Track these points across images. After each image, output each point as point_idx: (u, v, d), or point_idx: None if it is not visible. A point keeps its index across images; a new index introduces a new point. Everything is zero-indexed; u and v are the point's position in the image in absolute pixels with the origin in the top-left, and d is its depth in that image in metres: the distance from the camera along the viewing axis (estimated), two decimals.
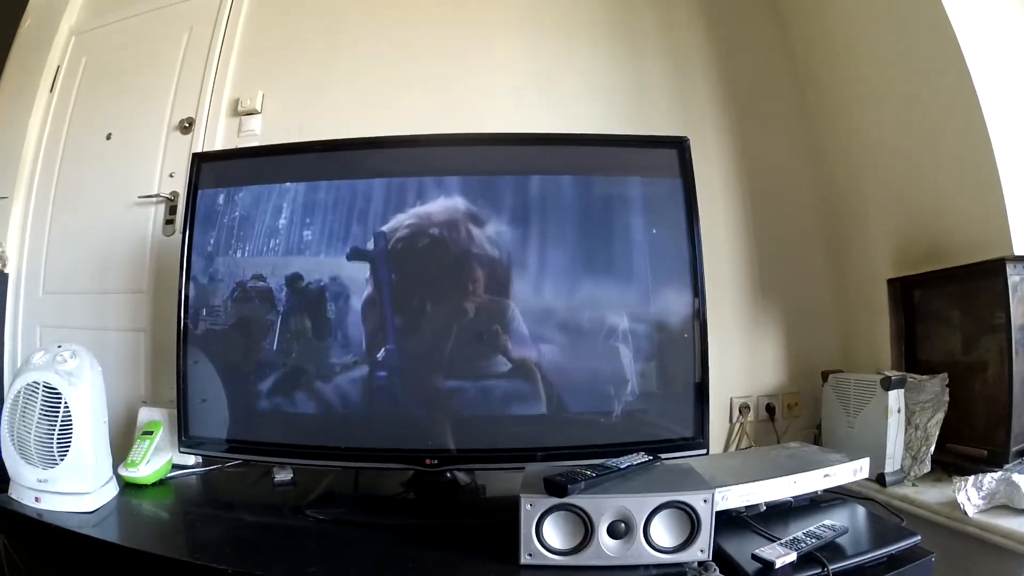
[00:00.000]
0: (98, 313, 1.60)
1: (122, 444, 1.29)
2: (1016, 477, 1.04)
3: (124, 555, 0.96)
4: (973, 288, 1.26)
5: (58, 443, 1.06)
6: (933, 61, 1.24)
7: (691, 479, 0.91)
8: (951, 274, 1.28)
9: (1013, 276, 1.17)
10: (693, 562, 0.85)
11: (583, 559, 0.83)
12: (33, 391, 1.07)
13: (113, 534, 1.04)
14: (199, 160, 1.25)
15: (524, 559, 0.84)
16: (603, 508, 0.83)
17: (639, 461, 0.94)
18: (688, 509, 0.84)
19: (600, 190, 1.17)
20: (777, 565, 0.84)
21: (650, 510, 0.83)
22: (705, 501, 0.84)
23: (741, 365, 1.51)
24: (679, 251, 1.12)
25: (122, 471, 1.21)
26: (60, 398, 1.07)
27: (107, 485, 1.14)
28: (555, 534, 0.85)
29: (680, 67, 1.59)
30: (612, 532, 0.84)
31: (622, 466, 0.91)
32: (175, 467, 1.30)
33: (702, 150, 1.32)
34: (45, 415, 1.06)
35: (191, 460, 1.33)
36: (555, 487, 0.83)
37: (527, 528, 0.84)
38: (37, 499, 1.08)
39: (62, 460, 1.06)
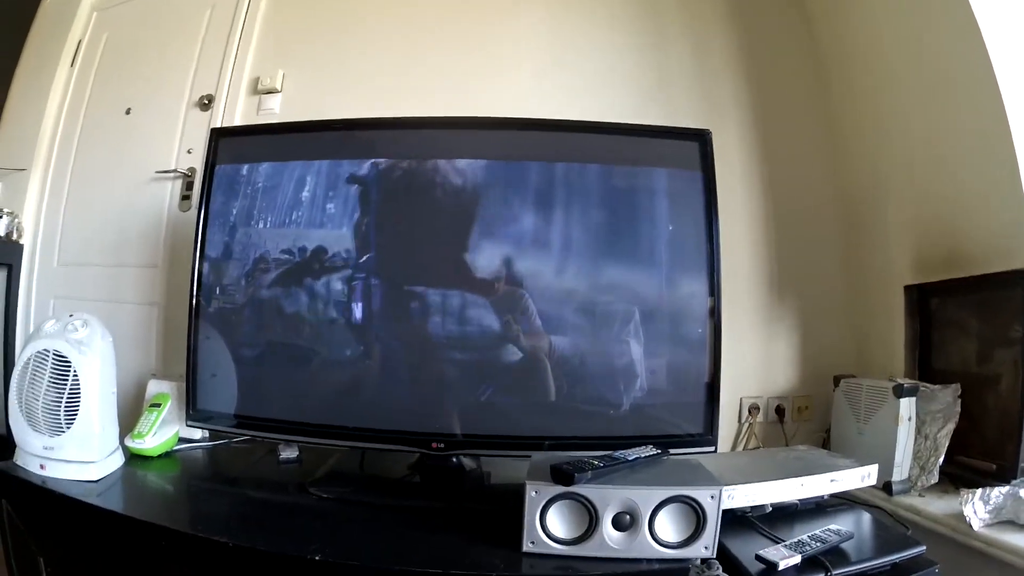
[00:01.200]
0: (112, 286, 1.61)
1: (131, 416, 1.29)
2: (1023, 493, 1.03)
3: (126, 524, 0.97)
4: (991, 299, 1.24)
5: (65, 411, 1.06)
6: (959, 63, 1.22)
7: (699, 475, 0.91)
8: (970, 283, 1.26)
9: None
10: (696, 559, 0.84)
11: (586, 549, 0.83)
12: (43, 359, 1.07)
13: (116, 503, 1.04)
14: (218, 135, 1.25)
15: (527, 547, 0.84)
16: (609, 499, 0.83)
17: (647, 454, 0.93)
18: (695, 505, 0.83)
19: (618, 180, 1.16)
20: (780, 567, 0.83)
21: (656, 503, 0.83)
22: (712, 498, 0.83)
23: (753, 365, 1.50)
24: (697, 246, 1.11)
25: (128, 442, 1.22)
26: (69, 366, 1.07)
27: (113, 455, 1.15)
28: (559, 523, 0.84)
29: (703, 57, 1.57)
30: (617, 524, 0.83)
31: (630, 458, 0.90)
32: (182, 440, 1.30)
33: (722, 142, 1.30)
34: (54, 383, 1.07)
35: (198, 434, 1.34)
36: (562, 475, 0.82)
37: (531, 516, 0.83)
38: (42, 466, 1.08)
39: (69, 428, 1.07)
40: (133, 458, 1.21)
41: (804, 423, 1.50)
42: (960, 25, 1.18)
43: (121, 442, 1.20)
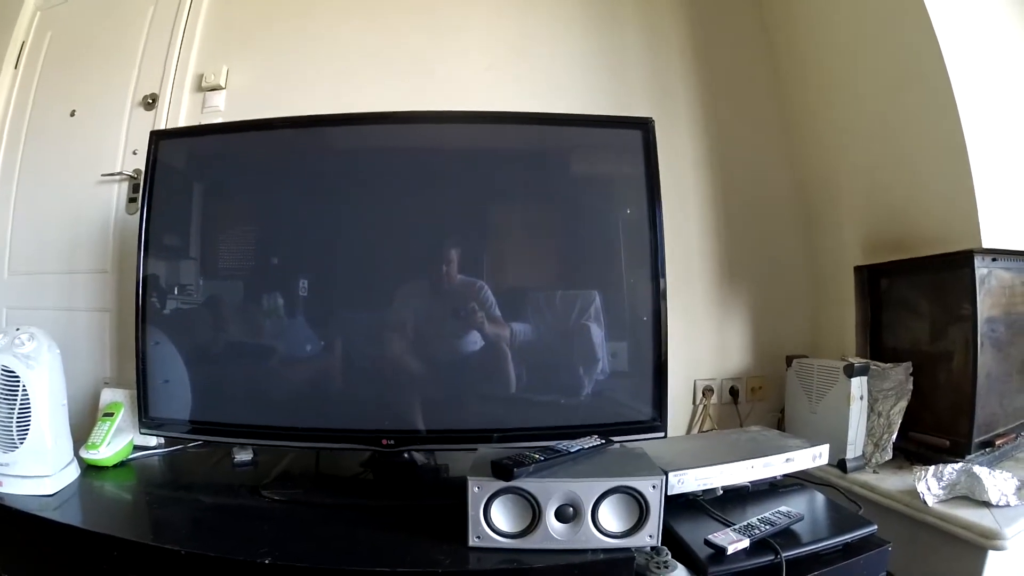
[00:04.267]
0: (64, 293, 1.58)
1: (87, 425, 1.27)
2: (977, 469, 1.04)
3: (82, 537, 0.95)
4: (941, 279, 1.26)
5: (18, 426, 1.05)
6: (911, 53, 1.23)
7: (641, 464, 0.91)
8: (919, 264, 1.28)
9: (981, 268, 1.18)
10: (646, 546, 0.85)
11: (531, 542, 0.83)
12: None
13: (73, 516, 1.03)
14: (157, 138, 1.22)
15: (472, 541, 0.84)
16: (551, 492, 0.83)
17: (590, 445, 0.93)
18: (636, 495, 0.83)
19: (565, 170, 1.16)
20: (729, 551, 0.84)
21: (598, 495, 0.83)
22: (654, 487, 0.83)
23: (707, 347, 1.51)
24: (641, 232, 1.10)
25: (83, 453, 1.20)
26: (18, 381, 1.05)
27: (67, 468, 1.13)
28: (503, 517, 0.84)
29: (657, 47, 1.57)
30: (560, 516, 0.83)
31: (572, 450, 0.90)
32: (137, 448, 1.29)
33: (674, 131, 1.29)
34: (4, 399, 1.05)
35: (153, 441, 1.32)
36: (502, 470, 0.82)
37: (475, 511, 0.83)
38: None
39: (21, 443, 1.05)
40: (89, 469, 1.20)
41: (758, 403, 1.52)
42: (914, 20, 1.19)
43: (76, 453, 1.18)
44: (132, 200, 1.53)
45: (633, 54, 1.56)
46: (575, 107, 1.31)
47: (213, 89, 1.56)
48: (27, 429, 1.05)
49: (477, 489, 0.83)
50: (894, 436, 1.20)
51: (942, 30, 1.16)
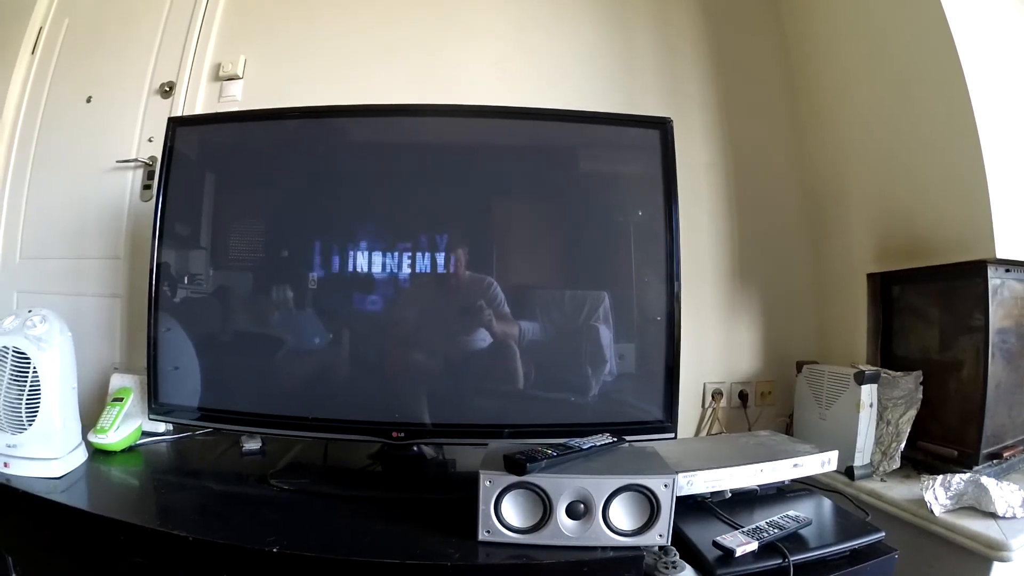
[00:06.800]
0: (75, 279, 1.58)
1: (95, 410, 1.28)
2: (985, 480, 1.04)
3: (90, 520, 0.95)
4: (953, 288, 1.25)
5: (27, 408, 1.05)
6: (927, 57, 1.22)
7: (653, 463, 0.90)
8: (931, 272, 1.27)
9: (994, 279, 1.17)
10: (654, 546, 0.84)
11: (541, 538, 0.83)
12: (2, 356, 1.05)
13: (80, 500, 1.03)
14: (175, 124, 1.22)
15: (482, 536, 0.84)
16: (562, 488, 0.83)
17: (602, 442, 0.93)
18: (648, 493, 0.83)
19: (578, 168, 1.16)
20: (737, 553, 0.84)
21: (609, 492, 0.83)
22: (666, 486, 0.83)
23: (717, 351, 1.51)
24: (657, 233, 1.10)
25: (91, 437, 1.20)
26: (29, 363, 1.05)
27: (75, 451, 1.13)
28: (514, 512, 0.84)
29: (670, 46, 1.57)
30: (571, 512, 0.83)
31: (584, 447, 0.90)
32: (145, 434, 1.29)
33: (686, 132, 1.28)
34: (14, 380, 1.05)
35: (161, 427, 1.33)
36: (514, 465, 0.82)
37: (485, 505, 0.83)
38: (6, 464, 1.07)
39: (30, 425, 1.05)
40: (97, 453, 1.20)
41: (767, 408, 1.52)
42: (929, 21, 1.18)
43: (85, 437, 1.18)
44: (146, 187, 1.54)
45: (646, 52, 1.57)
46: (586, 104, 1.31)
47: (230, 78, 1.57)
48: (36, 411, 1.05)
49: (489, 483, 0.83)
50: (902, 445, 1.20)
51: (959, 33, 1.15)
